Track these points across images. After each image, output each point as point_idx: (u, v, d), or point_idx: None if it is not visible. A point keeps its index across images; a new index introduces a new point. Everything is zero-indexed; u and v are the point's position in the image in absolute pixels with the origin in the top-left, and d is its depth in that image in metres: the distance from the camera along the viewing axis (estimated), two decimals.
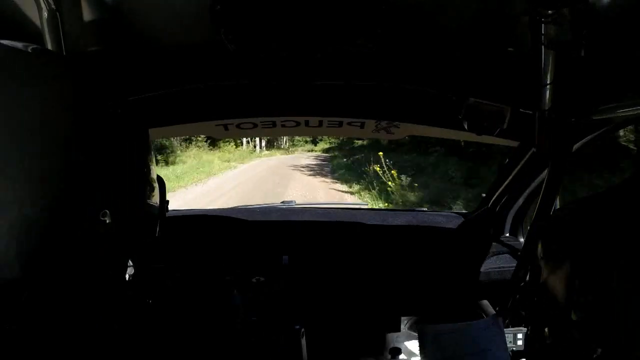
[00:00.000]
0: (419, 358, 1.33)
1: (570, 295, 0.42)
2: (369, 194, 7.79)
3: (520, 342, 0.95)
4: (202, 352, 1.21)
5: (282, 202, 1.88)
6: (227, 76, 1.08)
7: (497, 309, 1.25)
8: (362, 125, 1.27)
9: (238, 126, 1.26)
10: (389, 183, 7.18)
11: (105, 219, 0.51)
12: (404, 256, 1.44)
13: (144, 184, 0.62)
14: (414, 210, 1.80)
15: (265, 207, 1.84)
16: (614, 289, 0.38)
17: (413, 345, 1.41)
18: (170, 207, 0.85)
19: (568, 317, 0.43)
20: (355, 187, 9.00)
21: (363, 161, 10.62)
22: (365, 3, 0.79)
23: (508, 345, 0.92)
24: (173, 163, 13.26)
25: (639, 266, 0.36)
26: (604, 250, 0.39)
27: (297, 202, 1.90)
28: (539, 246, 0.51)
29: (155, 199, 0.65)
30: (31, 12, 0.74)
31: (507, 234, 1.54)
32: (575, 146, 1.06)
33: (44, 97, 0.49)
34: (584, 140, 1.09)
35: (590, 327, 0.40)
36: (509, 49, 0.91)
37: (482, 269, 1.44)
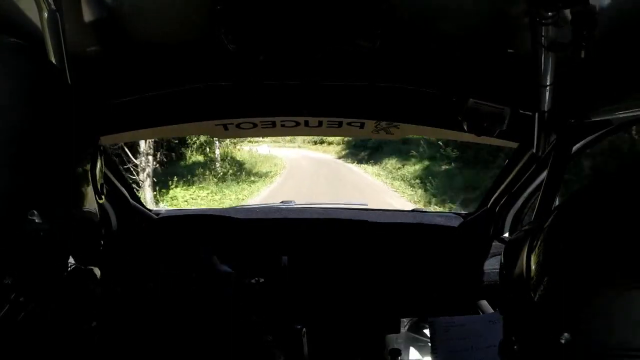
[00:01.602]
0: (419, 359, 1.33)
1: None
2: None
3: None
4: (203, 352, 1.21)
5: (282, 202, 1.88)
6: (227, 76, 1.08)
7: (497, 309, 1.25)
8: (361, 126, 1.27)
9: (238, 126, 1.26)
10: None
11: (34, 218, 0.50)
12: (404, 257, 1.44)
13: (84, 189, 0.59)
14: (413, 211, 1.80)
15: (265, 207, 1.85)
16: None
17: (413, 346, 1.41)
18: None
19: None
20: None
21: None
22: (365, 3, 0.79)
23: None
24: None
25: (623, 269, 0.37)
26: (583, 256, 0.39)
27: (296, 202, 1.90)
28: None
29: (94, 206, 0.62)
30: (31, 12, 0.74)
31: (507, 235, 1.54)
32: (575, 147, 1.06)
33: None
34: (583, 142, 1.09)
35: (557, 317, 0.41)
36: (509, 50, 0.91)
37: (481, 270, 1.44)
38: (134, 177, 7.13)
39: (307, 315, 1.35)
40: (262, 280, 1.35)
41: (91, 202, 0.61)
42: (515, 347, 0.48)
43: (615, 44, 0.78)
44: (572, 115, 0.95)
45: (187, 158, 10.23)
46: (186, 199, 8.08)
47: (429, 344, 1.09)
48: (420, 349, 1.38)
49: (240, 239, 1.47)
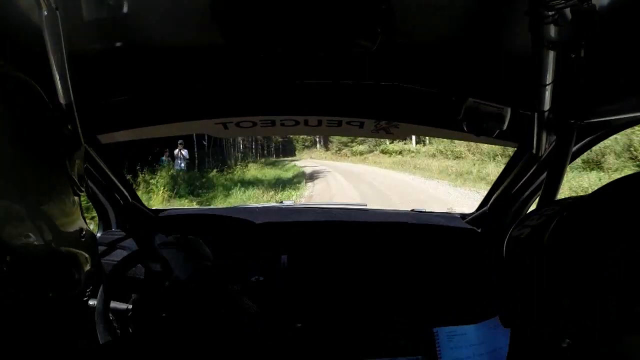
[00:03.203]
0: (420, 358, 1.33)
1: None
2: None
3: None
4: (203, 350, 1.21)
5: (282, 202, 1.88)
6: (227, 75, 1.08)
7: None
8: (361, 125, 1.27)
9: (237, 125, 1.26)
10: None
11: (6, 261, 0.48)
12: (404, 256, 1.44)
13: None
14: (413, 211, 1.80)
15: (265, 207, 1.85)
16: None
17: (414, 345, 1.40)
18: None
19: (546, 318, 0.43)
20: None
21: None
22: (365, 3, 0.79)
23: None
24: None
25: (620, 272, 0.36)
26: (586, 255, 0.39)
27: (296, 202, 1.90)
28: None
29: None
30: (31, 12, 0.74)
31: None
32: (574, 147, 1.06)
33: None
34: (583, 142, 1.09)
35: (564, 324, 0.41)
36: (509, 49, 0.91)
37: (481, 269, 1.43)
38: None
39: (307, 315, 1.35)
40: (261, 278, 1.35)
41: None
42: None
43: (615, 44, 0.78)
44: (572, 116, 0.95)
45: None
46: None
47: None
48: None
49: (240, 238, 1.47)
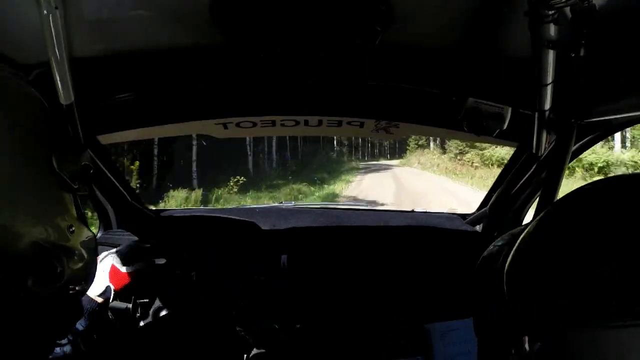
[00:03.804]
0: (420, 358, 1.33)
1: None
2: None
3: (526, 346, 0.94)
4: (200, 351, 1.21)
5: (282, 203, 1.89)
6: (227, 75, 1.08)
7: None
8: (361, 125, 1.27)
9: (237, 125, 1.26)
10: None
11: None
12: (403, 257, 1.44)
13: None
14: (413, 211, 1.80)
15: (265, 208, 1.85)
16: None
17: (414, 345, 1.40)
18: None
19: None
20: None
21: None
22: (365, 2, 0.79)
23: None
24: None
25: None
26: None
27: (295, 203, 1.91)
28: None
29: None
30: (31, 12, 0.74)
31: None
32: (575, 147, 1.06)
33: None
34: (582, 141, 1.09)
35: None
36: (509, 49, 0.92)
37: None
38: None
39: (307, 315, 1.35)
40: (262, 278, 1.35)
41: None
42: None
43: (615, 44, 0.78)
44: (572, 115, 0.95)
45: None
46: None
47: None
48: None
49: (240, 238, 1.47)
